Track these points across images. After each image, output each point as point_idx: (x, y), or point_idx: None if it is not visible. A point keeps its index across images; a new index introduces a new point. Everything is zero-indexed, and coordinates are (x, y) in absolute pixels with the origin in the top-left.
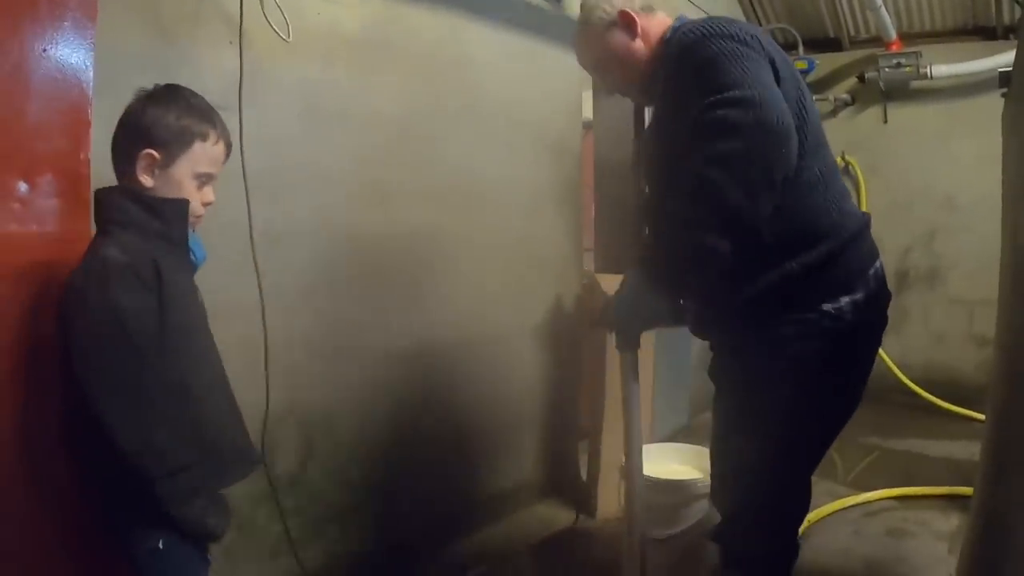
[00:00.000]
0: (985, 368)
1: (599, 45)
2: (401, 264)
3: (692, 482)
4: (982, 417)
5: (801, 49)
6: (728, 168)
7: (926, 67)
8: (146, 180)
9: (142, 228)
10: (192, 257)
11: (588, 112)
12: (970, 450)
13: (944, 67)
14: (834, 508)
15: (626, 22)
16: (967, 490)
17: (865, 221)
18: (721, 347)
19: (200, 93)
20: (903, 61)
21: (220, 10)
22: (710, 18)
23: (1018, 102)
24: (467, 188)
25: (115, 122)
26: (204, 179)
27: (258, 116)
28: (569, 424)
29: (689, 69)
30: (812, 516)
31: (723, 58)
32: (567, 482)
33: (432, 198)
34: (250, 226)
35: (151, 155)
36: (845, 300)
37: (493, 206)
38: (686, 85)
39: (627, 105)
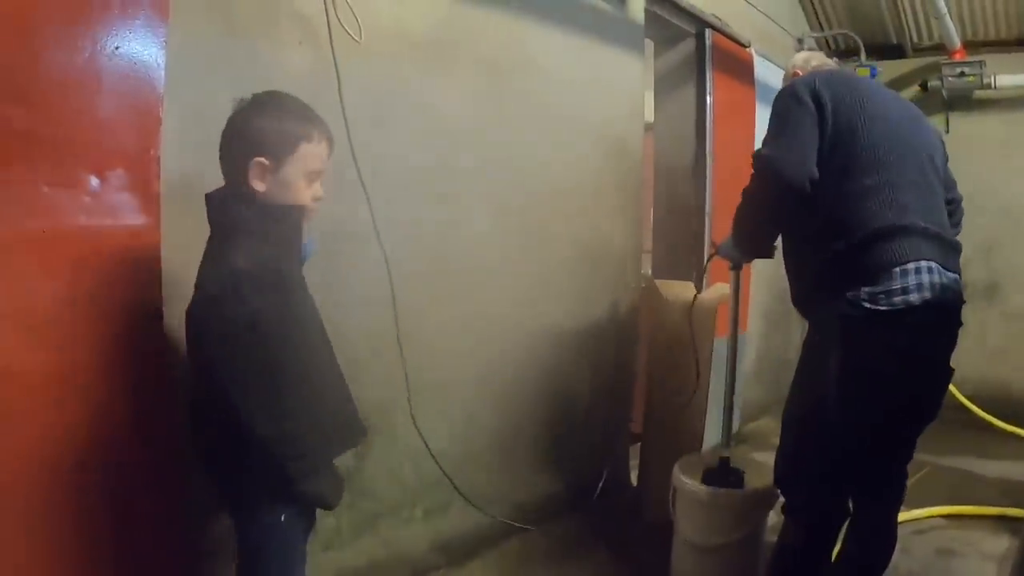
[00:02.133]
0: None
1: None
2: (464, 263)
3: (747, 491)
4: None
5: (863, 55)
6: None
7: (990, 77)
8: (259, 186)
9: (262, 234)
10: (303, 252)
11: (650, 114)
12: (1022, 470)
13: (1008, 77)
14: None
15: (793, 74)
16: (1019, 512)
17: (907, 224)
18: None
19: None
20: (967, 70)
21: (292, 9)
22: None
23: None
24: (530, 189)
25: (187, 119)
26: (313, 176)
27: (328, 117)
28: (622, 427)
29: None
30: None
31: (774, 117)
32: (618, 485)
33: (496, 199)
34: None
35: (261, 163)
36: (865, 290)
37: (555, 208)
38: None
39: (688, 108)
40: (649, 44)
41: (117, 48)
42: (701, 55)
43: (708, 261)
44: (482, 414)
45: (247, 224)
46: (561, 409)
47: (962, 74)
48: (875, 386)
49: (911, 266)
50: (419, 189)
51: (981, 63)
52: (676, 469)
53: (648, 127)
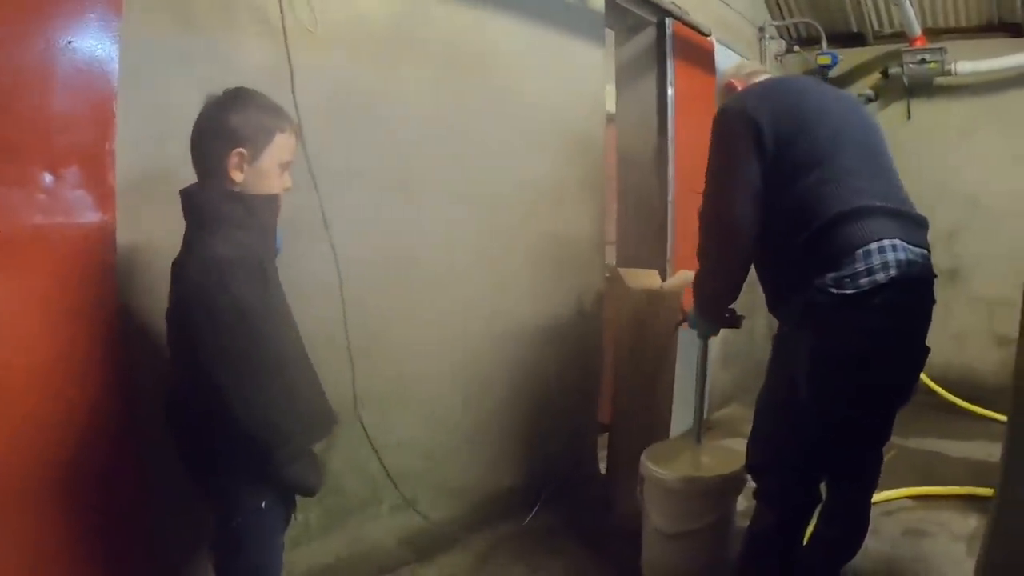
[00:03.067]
0: (1006, 368)
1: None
2: (424, 256)
3: (711, 478)
4: (1002, 417)
5: (824, 43)
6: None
7: (950, 64)
8: (237, 176)
9: (243, 225)
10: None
11: (611, 105)
12: (989, 450)
13: (968, 64)
14: None
15: (728, 89)
16: (987, 491)
17: (863, 206)
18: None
19: (229, 84)
20: (927, 57)
21: (247, 1)
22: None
23: None
24: (492, 182)
25: (143, 113)
26: (284, 167)
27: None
28: (589, 418)
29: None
30: None
31: (715, 148)
32: (587, 476)
33: (457, 192)
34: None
35: (241, 153)
36: (830, 276)
37: (517, 199)
38: None
39: (650, 98)
40: (610, 34)
41: (70, 43)
42: (662, 44)
43: (676, 327)
44: (448, 408)
45: (228, 214)
46: (528, 401)
47: (923, 61)
48: (848, 370)
49: (874, 246)
50: (375, 182)
51: (942, 50)
52: (643, 457)
53: (610, 118)
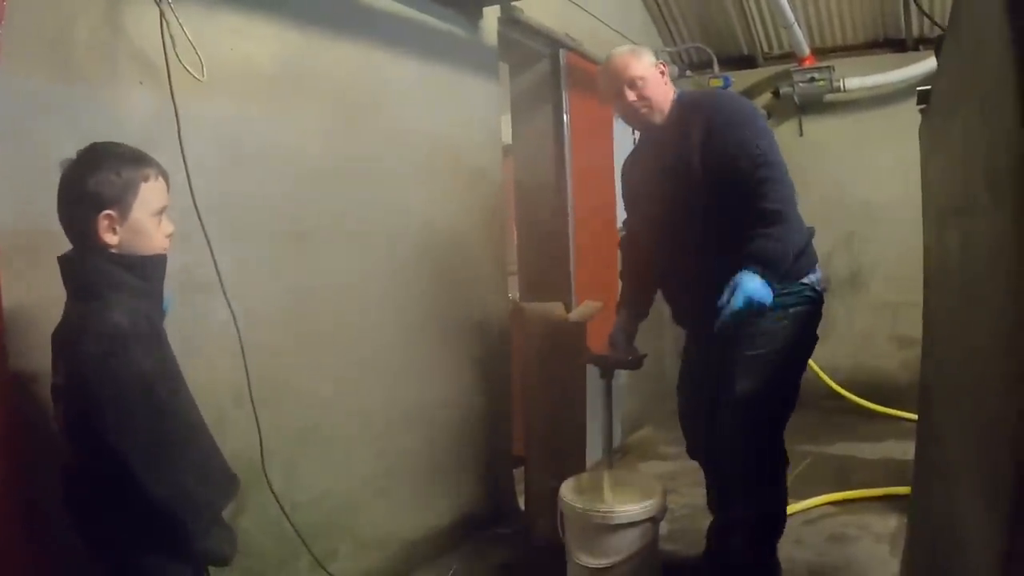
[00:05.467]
0: (910, 367)
1: (652, 72)
2: (326, 304)
3: (633, 508)
4: (910, 416)
5: (716, 67)
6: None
7: (839, 80)
8: (111, 239)
9: (131, 288)
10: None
11: (507, 137)
12: (901, 448)
13: (856, 79)
14: None
15: (660, 70)
16: (903, 489)
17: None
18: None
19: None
20: (816, 76)
21: (132, 49)
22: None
23: (938, 118)
24: (389, 221)
25: (21, 166)
26: (160, 213)
27: (174, 158)
28: (503, 452)
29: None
30: None
31: (763, 130)
32: (505, 512)
33: (353, 236)
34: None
35: (108, 215)
36: (812, 277)
37: (415, 238)
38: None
39: (546, 128)
40: (504, 67)
41: None
42: (556, 75)
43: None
44: (360, 457)
45: (112, 280)
46: (439, 442)
47: (812, 79)
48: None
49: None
50: (271, 231)
51: (830, 68)
52: (562, 492)
53: (508, 150)
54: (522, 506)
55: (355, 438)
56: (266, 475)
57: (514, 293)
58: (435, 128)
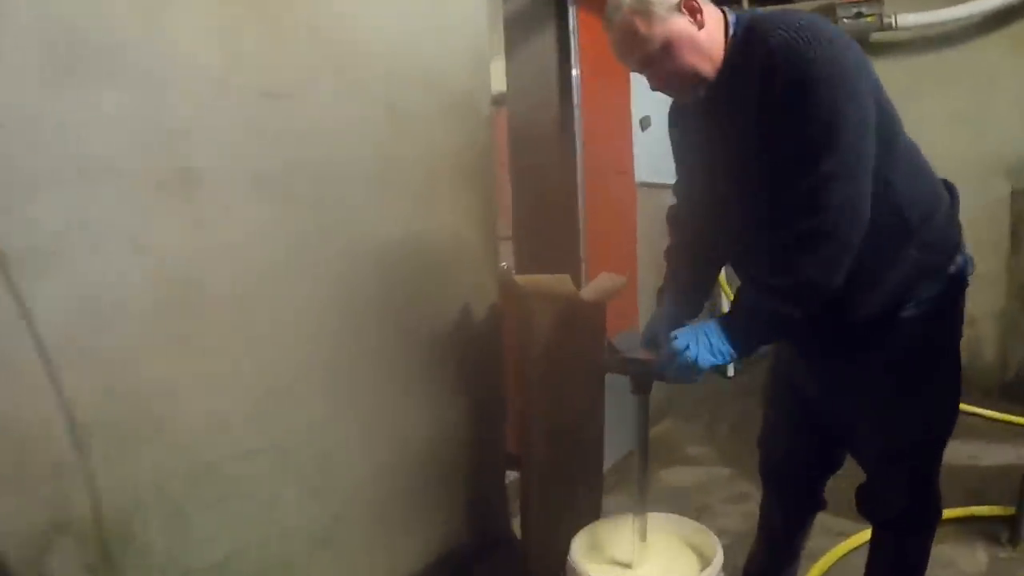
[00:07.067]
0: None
1: (676, 28)
2: (218, 287)
3: None
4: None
5: (745, 2)
6: None
7: (890, 16)
8: None
9: None
10: None
11: (500, 84)
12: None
13: (912, 16)
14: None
15: (690, 9)
16: (989, 510)
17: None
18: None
19: None
20: (864, 10)
21: None
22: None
23: None
24: (323, 169)
25: None
26: None
27: None
28: (492, 464)
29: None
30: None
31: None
32: (497, 541)
33: (264, 182)
34: None
35: None
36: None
37: (366, 191)
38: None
39: (549, 59)
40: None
41: None
42: None
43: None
44: (284, 498)
45: None
46: (404, 464)
47: (859, 15)
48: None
49: None
50: (131, 170)
51: (880, 2)
52: (573, 553)
53: (499, 99)
54: (517, 530)
55: (276, 474)
56: (134, 538)
57: (508, 263)
58: (398, 42)
